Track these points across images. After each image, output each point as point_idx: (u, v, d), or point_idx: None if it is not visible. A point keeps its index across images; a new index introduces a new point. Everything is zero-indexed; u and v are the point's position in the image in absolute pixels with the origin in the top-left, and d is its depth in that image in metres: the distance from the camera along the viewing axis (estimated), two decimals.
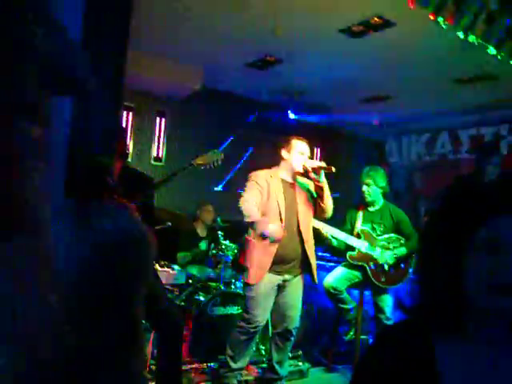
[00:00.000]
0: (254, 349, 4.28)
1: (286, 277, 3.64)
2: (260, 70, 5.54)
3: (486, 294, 0.96)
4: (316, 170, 3.59)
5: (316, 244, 5.08)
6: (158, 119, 6.19)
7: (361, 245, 4.25)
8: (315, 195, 3.73)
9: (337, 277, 4.28)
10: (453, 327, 1.01)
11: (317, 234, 4.14)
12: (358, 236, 4.31)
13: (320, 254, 5.54)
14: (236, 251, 3.76)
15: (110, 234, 0.91)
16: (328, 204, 3.73)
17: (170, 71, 5.53)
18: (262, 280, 3.54)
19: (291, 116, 6.43)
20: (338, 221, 4.57)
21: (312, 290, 4.98)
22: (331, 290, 4.23)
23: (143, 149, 6.06)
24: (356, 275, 4.29)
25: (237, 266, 3.72)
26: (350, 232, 4.34)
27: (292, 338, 3.76)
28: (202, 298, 4.43)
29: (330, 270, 4.52)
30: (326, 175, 3.66)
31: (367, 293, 4.46)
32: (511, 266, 0.95)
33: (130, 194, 3.10)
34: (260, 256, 3.54)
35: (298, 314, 3.76)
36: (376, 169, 4.43)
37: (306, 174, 3.68)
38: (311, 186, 3.76)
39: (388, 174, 4.57)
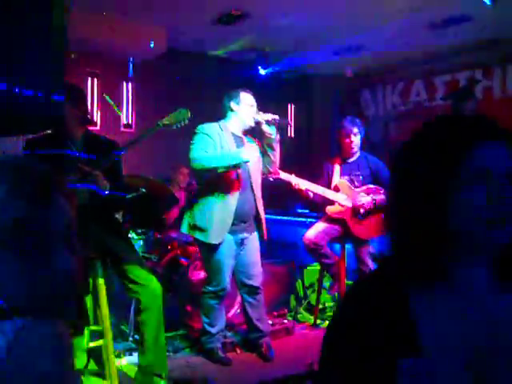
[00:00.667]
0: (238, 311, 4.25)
1: (245, 235, 3.63)
2: (226, 26, 5.32)
3: (477, 228, 0.89)
4: (270, 123, 3.49)
5: (294, 200, 5.01)
6: (124, 84, 5.98)
7: (339, 198, 4.18)
8: (265, 148, 3.63)
9: (317, 232, 4.23)
10: (430, 272, 0.93)
11: (291, 189, 4.08)
12: (336, 189, 4.24)
13: (300, 210, 5.50)
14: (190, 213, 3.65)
15: None
16: (278, 157, 3.69)
17: (133, 34, 5.30)
18: (224, 241, 3.50)
19: (261, 72, 6.25)
20: (315, 175, 4.50)
21: (294, 247, 4.94)
22: (312, 246, 4.18)
23: (112, 116, 5.85)
24: (336, 229, 4.24)
25: (193, 228, 3.59)
26: (328, 185, 4.26)
27: (261, 292, 3.74)
28: (183, 262, 4.35)
29: (309, 226, 4.46)
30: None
31: (349, 246, 4.42)
32: (502, 195, 0.87)
33: (94, 161, 2.97)
34: (222, 215, 3.49)
35: (260, 271, 3.74)
36: (359, 119, 4.38)
37: (257, 127, 3.57)
38: (255, 141, 3.68)
39: (365, 126, 4.49)
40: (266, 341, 3.78)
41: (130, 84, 5.98)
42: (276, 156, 3.67)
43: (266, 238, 3.77)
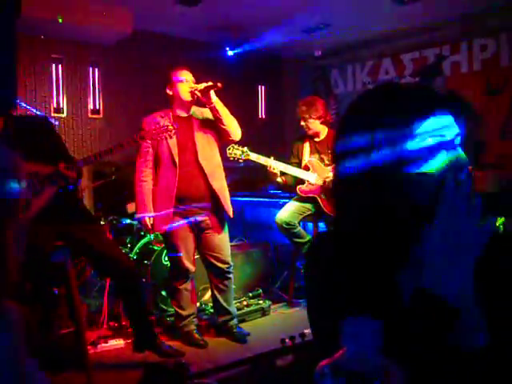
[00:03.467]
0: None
1: (199, 218, 3.58)
2: (192, 7, 5.23)
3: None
4: (203, 92, 3.43)
5: (267, 183, 5.00)
6: (90, 69, 5.85)
7: (310, 176, 4.19)
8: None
9: (289, 211, 4.24)
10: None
11: (265, 171, 4.08)
12: (307, 168, 4.24)
13: (272, 191, 5.50)
14: None
15: None
16: (230, 125, 3.54)
17: (97, 16, 5.17)
18: (174, 226, 3.52)
19: (229, 53, 6.18)
20: (286, 155, 4.50)
21: (267, 228, 4.95)
22: (284, 226, 4.19)
23: (78, 102, 5.73)
24: (308, 207, 4.26)
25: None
26: (298, 165, 4.27)
27: (230, 276, 3.73)
28: (156, 248, 4.32)
29: (282, 206, 4.46)
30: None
31: (322, 224, 4.44)
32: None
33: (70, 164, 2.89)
34: (163, 202, 3.51)
35: (228, 254, 3.71)
36: (309, 101, 4.31)
37: (198, 100, 3.53)
38: (208, 112, 3.60)
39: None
40: (236, 323, 3.80)
41: (96, 69, 5.85)
42: (225, 123, 3.52)
43: (231, 215, 3.68)
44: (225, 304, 3.73)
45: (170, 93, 3.58)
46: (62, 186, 2.85)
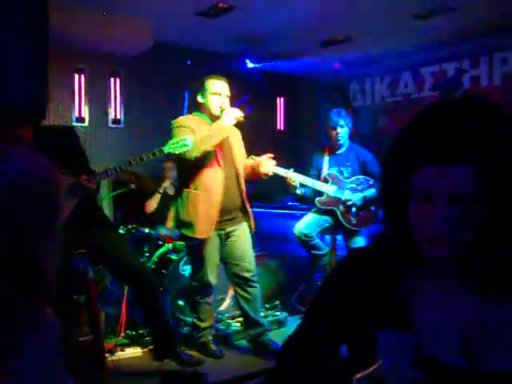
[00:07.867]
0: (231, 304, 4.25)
1: (229, 229, 3.55)
2: (213, 19, 5.29)
3: (423, 243, 0.90)
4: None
5: (284, 194, 5.02)
6: (112, 80, 5.93)
7: (329, 189, 4.19)
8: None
9: (307, 223, 4.23)
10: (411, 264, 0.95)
11: (284, 183, 4.09)
12: (326, 180, 4.24)
13: (290, 203, 5.50)
14: (175, 208, 3.64)
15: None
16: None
17: (118, 28, 5.24)
18: (209, 236, 3.45)
19: (249, 65, 6.22)
20: (304, 167, 4.51)
21: (285, 239, 4.95)
22: (302, 237, 4.19)
23: (100, 112, 5.81)
24: (326, 220, 4.25)
25: (179, 223, 3.56)
26: (317, 177, 4.28)
27: (256, 285, 3.67)
28: (173, 257, 4.34)
29: (300, 218, 4.46)
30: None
31: (339, 237, 4.43)
32: (439, 217, 0.85)
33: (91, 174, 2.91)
34: (206, 208, 3.41)
35: (252, 263, 3.67)
36: (345, 112, 4.38)
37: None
38: (237, 132, 3.64)
39: (353, 118, 4.52)
40: (270, 339, 3.69)
41: (117, 79, 5.92)
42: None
43: (253, 230, 3.68)
44: (254, 315, 3.64)
45: (201, 101, 3.52)
46: (82, 197, 2.87)
